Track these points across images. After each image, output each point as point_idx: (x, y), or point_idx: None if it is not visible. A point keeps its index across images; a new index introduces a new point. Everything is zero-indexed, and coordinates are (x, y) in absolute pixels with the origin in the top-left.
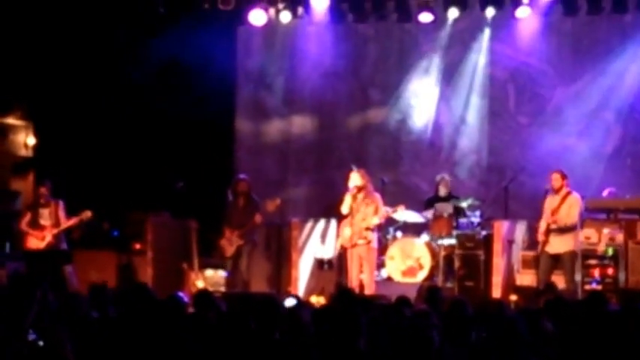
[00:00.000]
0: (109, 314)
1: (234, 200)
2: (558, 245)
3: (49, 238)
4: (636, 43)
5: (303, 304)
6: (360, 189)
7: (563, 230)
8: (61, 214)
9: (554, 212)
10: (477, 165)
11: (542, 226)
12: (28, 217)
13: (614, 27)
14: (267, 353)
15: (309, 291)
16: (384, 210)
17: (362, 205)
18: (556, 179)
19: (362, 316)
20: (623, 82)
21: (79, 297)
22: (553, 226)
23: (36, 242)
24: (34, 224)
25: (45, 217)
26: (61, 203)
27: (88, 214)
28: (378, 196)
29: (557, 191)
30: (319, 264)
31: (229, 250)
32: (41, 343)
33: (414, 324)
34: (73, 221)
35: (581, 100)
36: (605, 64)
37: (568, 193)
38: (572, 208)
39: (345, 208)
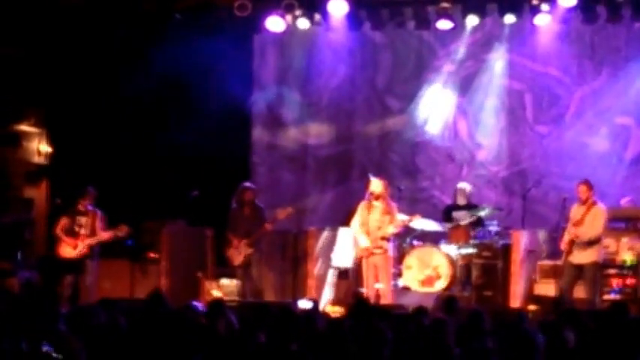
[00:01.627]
0: (122, 324)
1: (240, 209)
2: (581, 256)
3: (81, 247)
4: None
5: (318, 310)
6: (378, 197)
7: (587, 242)
8: (99, 224)
9: (578, 224)
10: (497, 176)
11: (566, 236)
12: (64, 222)
13: (633, 34)
14: None
15: (326, 300)
16: (400, 219)
17: (379, 215)
18: (583, 191)
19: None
20: None
21: (92, 307)
22: (576, 239)
23: (69, 250)
24: (70, 231)
25: (82, 225)
26: (100, 213)
27: (124, 230)
28: (394, 205)
29: (583, 202)
30: (336, 273)
31: (238, 259)
32: (55, 355)
33: (432, 332)
34: (108, 234)
35: (599, 107)
36: (623, 70)
37: (593, 204)
38: (596, 220)
39: (355, 224)
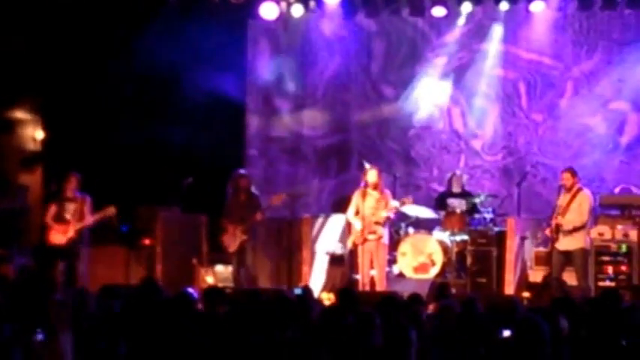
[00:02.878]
0: (116, 310)
1: (235, 195)
2: (568, 243)
3: (71, 233)
4: None
5: (311, 296)
6: (373, 186)
7: (573, 229)
8: (87, 209)
9: (564, 212)
10: (494, 166)
11: (552, 223)
12: (53, 210)
13: (627, 20)
14: (276, 350)
15: (320, 287)
16: (393, 204)
17: (373, 202)
18: (567, 178)
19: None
20: (636, 73)
21: (86, 293)
22: (561, 227)
23: (59, 237)
24: (59, 218)
25: (70, 211)
26: (88, 198)
27: (112, 210)
28: (388, 192)
29: (568, 189)
30: (330, 260)
31: (232, 246)
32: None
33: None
34: (96, 217)
35: (594, 93)
36: (618, 56)
37: (578, 190)
38: (581, 206)
39: (350, 212)
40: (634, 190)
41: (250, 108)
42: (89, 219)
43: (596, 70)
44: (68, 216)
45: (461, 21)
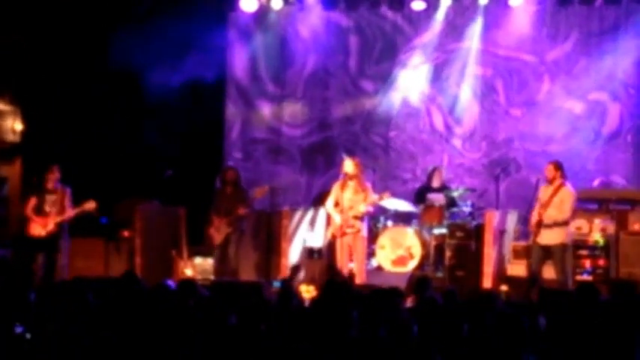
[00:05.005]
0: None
1: (222, 188)
2: (549, 237)
3: (51, 225)
4: (628, 32)
5: (290, 289)
6: (351, 177)
7: (554, 224)
8: (67, 202)
9: (545, 205)
10: (478, 163)
11: (534, 217)
12: (33, 202)
13: (605, 14)
14: (250, 344)
15: (299, 279)
16: (372, 198)
17: (351, 194)
18: (549, 170)
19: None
20: (615, 64)
21: (65, 285)
22: (542, 221)
23: (38, 229)
24: (39, 210)
25: (50, 203)
26: (68, 191)
27: (92, 204)
28: (368, 185)
29: (550, 182)
30: (309, 252)
31: (218, 238)
32: (28, 335)
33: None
34: (77, 210)
35: (571, 85)
36: (595, 48)
37: (561, 185)
38: (563, 203)
39: (329, 203)
40: (616, 179)
41: (230, 98)
42: (69, 212)
43: (575, 62)
44: (48, 208)
45: (440, 15)
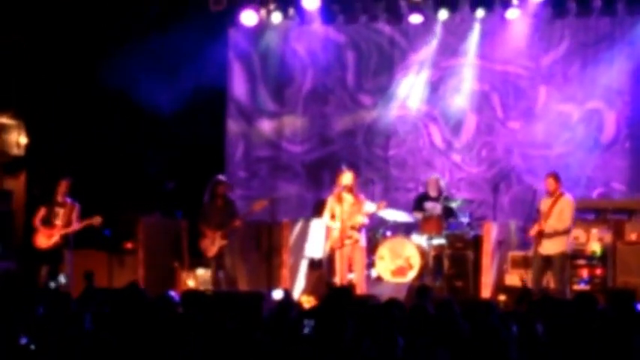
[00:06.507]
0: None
1: (213, 201)
2: (550, 247)
3: (56, 237)
4: (623, 41)
5: (291, 300)
6: (349, 188)
7: (555, 233)
8: (75, 216)
9: (547, 216)
10: (479, 177)
11: (535, 228)
12: (42, 212)
13: (602, 26)
14: (249, 352)
15: (300, 290)
16: (368, 208)
17: (349, 206)
18: (550, 183)
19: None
20: (609, 73)
21: (68, 297)
22: (544, 231)
23: (44, 240)
24: (47, 222)
25: (59, 216)
26: (77, 206)
27: (98, 219)
28: (362, 196)
29: (551, 194)
30: (309, 264)
31: (212, 251)
32: (32, 347)
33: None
34: (82, 224)
35: (567, 96)
36: (592, 58)
37: (560, 195)
38: (563, 212)
39: (326, 216)
40: (616, 185)
41: (231, 112)
42: (75, 225)
43: (571, 73)
44: (56, 221)
45: (437, 29)
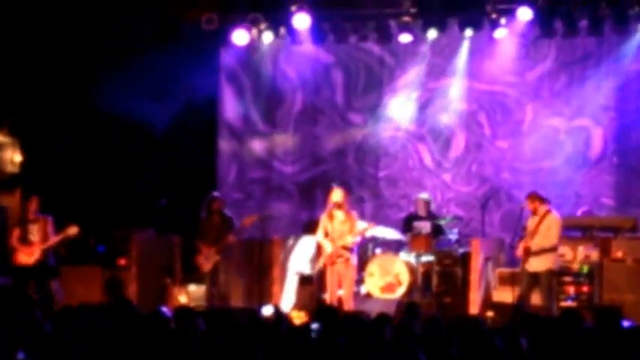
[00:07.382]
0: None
1: (209, 217)
2: (537, 264)
3: (37, 254)
4: (609, 58)
5: (282, 316)
6: (340, 205)
7: (542, 251)
8: (50, 229)
9: (533, 234)
10: (470, 196)
11: (521, 246)
12: (17, 232)
13: (588, 45)
14: None
15: (290, 306)
16: (359, 228)
17: (339, 224)
18: (528, 205)
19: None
20: (595, 91)
21: (65, 313)
22: (530, 249)
23: (25, 258)
24: (24, 240)
25: (34, 232)
26: (50, 219)
27: (74, 229)
28: (354, 214)
29: (535, 213)
30: (300, 280)
31: (206, 266)
32: None
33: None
34: (60, 236)
35: (554, 111)
36: (578, 76)
37: (547, 213)
38: (550, 230)
39: (319, 234)
40: (605, 201)
41: (223, 130)
42: (53, 239)
43: (557, 88)
44: (32, 237)
45: (425, 49)
